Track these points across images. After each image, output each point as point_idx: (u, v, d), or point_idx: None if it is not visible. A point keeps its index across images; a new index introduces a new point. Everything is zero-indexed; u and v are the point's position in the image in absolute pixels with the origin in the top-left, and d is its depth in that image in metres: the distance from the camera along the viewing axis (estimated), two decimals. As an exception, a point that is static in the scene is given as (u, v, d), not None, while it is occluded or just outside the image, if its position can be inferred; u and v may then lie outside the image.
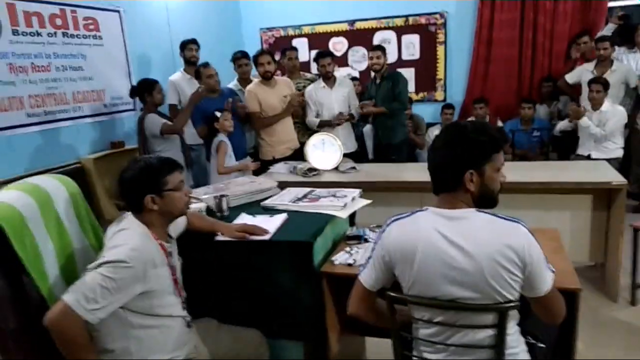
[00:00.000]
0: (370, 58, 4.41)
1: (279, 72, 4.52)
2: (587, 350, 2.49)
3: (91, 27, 4.11)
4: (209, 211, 2.32)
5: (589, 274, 3.27)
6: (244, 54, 4.39)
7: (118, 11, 4.38)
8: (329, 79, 4.30)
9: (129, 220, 1.68)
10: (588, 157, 4.11)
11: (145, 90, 3.83)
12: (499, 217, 1.42)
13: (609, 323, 2.82)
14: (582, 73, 4.57)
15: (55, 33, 3.77)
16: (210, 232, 2.04)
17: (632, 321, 2.82)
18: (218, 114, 3.55)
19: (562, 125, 4.47)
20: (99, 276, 1.48)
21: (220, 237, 2.02)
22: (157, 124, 3.75)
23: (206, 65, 3.88)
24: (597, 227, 3.15)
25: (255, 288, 2.00)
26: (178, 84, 4.43)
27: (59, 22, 3.80)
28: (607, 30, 4.87)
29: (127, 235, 1.61)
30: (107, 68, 4.27)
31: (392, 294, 1.53)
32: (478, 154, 1.42)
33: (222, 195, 2.32)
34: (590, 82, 4.18)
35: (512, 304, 1.40)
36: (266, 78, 4.03)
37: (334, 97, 4.28)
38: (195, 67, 4.35)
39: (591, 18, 5.14)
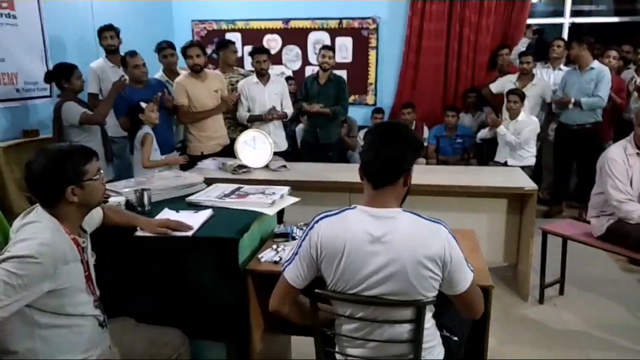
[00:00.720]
0: (323, 56, 4.45)
1: (211, 65, 4.41)
2: (499, 345, 2.64)
3: (4, 5, 3.79)
4: (129, 205, 2.21)
5: (503, 274, 3.46)
6: (169, 44, 4.25)
7: (36, -10, 4.07)
8: (263, 75, 4.26)
9: (38, 212, 1.55)
10: (504, 164, 4.37)
11: (63, 76, 3.58)
12: (422, 217, 1.47)
13: (519, 320, 3.00)
14: (505, 84, 4.85)
15: (-39, 9, 3.45)
16: (129, 227, 1.94)
17: (539, 318, 3.02)
18: (143, 104, 3.40)
19: (482, 133, 4.73)
20: (3, 272, 1.36)
21: (140, 233, 1.93)
22: (76, 113, 3.52)
23: (133, 54, 3.71)
24: (511, 229, 3.36)
25: (176, 286, 1.93)
26: (100, 71, 4.19)
27: (-34, -3, 3.48)
28: (522, 44, 5.19)
29: (37, 229, 1.49)
30: (22, 50, 3.95)
31: (317, 290, 1.53)
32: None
33: (144, 189, 2.22)
34: (508, 93, 4.46)
35: (429, 300, 1.46)
36: (195, 71, 3.91)
37: (266, 94, 4.24)
38: (116, 55, 4.15)
39: (511, 33, 5.48)
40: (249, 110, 4.25)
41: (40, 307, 1.48)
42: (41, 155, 1.55)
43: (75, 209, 1.58)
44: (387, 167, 1.48)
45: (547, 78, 4.94)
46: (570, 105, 4.45)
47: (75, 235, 1.59)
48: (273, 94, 4.27)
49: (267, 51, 4.34)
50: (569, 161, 4.71)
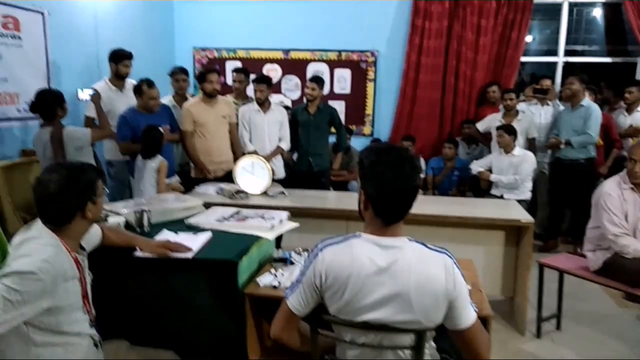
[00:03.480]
0: (307, 87, 4.49)
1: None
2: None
3: (10, 26, 3.83)
4: (128, 226, 2.20)
5: (500, 307, 3.43)
6: (183, 70, 4.38)
7: (42, 13, 4.13)
8: (262, 104, 4.30)
9: (39, 228, 1.54)
10: (501, 197, 4.39)
11: (57, 103, 3.37)
12: (428, 247, 1.45)
13: (517, 354, 2.96)
14: (491, 121, 4.94)
15: (-32, 28, 3.49)
16: (128, 248, 1.93)
17: (537, 353, 2.98)
18: (161, 128, 3.51)
19: (475, 166, 4.74)
20: (2, 287, 1.35)
21: (139, 253, 1.91)
22: (85, 134, 3.43)
23: (151, 85, 3.74)
24: (507, 262, 3.34)
25: (173, 308, 1.91)
26: (102, 94, 4.20)
27: (-27, 17, 3.52)
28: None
29: (38, 245, 1.48)
30: (25, 71, 3.97)
31: (325, 317, 1.49)
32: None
33: (144, 210, 2.22)
34: (497, 128, 4.55)
35: (430, 327, 1.44)
36: (212, 96, 3.99)
37: (266, 122, 4.28)
38: (122, 81, 4.18)
39: (504, 70, 5.61)
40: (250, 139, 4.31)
41: (37, 324, 1.46)
42: (57, 172, 1.54)
43: (85, 224, 1.59)
44: (403, 201, 1.41)
45: (537, 114, 5.03)
46: (562, 146, 4.56)
47: (75, 252, 1.58)
48: (272, 122, 4.31)
49: (266, 81, 4.37)
50: (564, 196, 4.75)
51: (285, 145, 4.37)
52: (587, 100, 4.56)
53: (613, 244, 2.86)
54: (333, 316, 1.49)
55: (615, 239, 2.84)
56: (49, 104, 3.34)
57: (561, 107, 5.04)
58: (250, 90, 4.62)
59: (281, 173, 4.41)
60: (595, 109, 4.50)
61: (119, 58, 4.17)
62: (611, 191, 2.93)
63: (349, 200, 3.57)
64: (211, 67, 4.22)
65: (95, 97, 3.64)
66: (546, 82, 5.08)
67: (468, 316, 1.44)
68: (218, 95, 4.11)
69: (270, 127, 4.29)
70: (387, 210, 1.43)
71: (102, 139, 3.60)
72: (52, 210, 1.53)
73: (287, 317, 1.54)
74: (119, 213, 2.25)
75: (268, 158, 4.13)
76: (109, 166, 4.18)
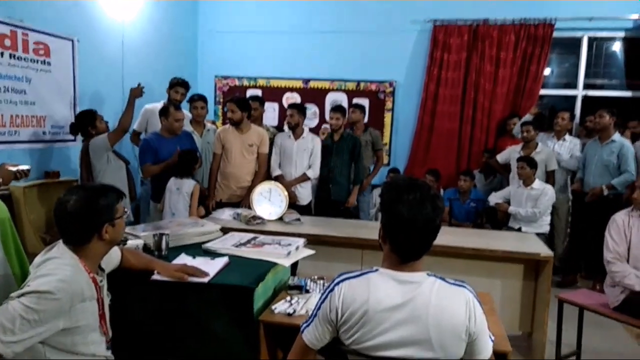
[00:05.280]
0: (331, 118, 4.51)
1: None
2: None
3: (41, 52, 3.99)
4: (147, 249, 2.23)
5: (518, 343, 3.35)
6: (202, 97, 4.44)
7: (72, 40, 4.29)
8: (293, 130, 4.34)
9: (59, 248, 1.58)
10: (518, 230, 4.33)
11: (89, 123, 3.68)
12: (447, 281, 1.43)
13: (534, 392, 2.88)
14: (511, 154, 4.92)
15: (2, 54, 3.63)
16: (146, 270, 1.95)
17: (555, 391, 2.90)
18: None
19: (493, 198, 4.71)
20: (20, 306, 1.37)
21: (156, 276, 1.93)
22: (103, 139, 3.58)
23: (178, 108, 3.86)
24: (526, 296, 3.28)
25: (188, 332, 1.91)
26: (150, 114, 4.32)
27: (7, 42, 3.67)
28: (525, 118, 5.30)
29: (57, 265, 1.51)
30: (52, 95, 4.12)
31: (342, 347, 1.47)
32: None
33: (162, 234, 2.25)
34: (517, 160, 4.53)
35: (450, 360, 1.42)
36: (233, 124, 4.06)
37: (295, 148, 4.31)
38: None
39: (523, 102, 5.61)
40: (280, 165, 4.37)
41: (53, 344, 1.47)
42: (76, 194, 1.57)
43: (103, 246, 1.61)
44: (422, 241, 1.39)
45: (552, 148, 4.98)
46: (605, 192, 4.45)
47: (94, 273, 1.60)
48: (302, 149, 4.32)
49: (296, 106, 4.40)
50: (588, 231, 4.61)
51: (312, 173, 4.36)
52: (617, 135, 4.50)
53: (606, 268, 2.89)
54: (351, 349, 1.47)
55: (606, 265, 2.87)
56: (81, 124, 3.74)
57: (577, 143, 4.99)
58: (266, 117, 4.69)
59: (305, 200, 4.42)
60: (629, 146, 4.47)
61: (172, 84, 4.40)
62: (618, 218, 2.97)
63: (365, 230, 3.57)
64: (233, 96, 4.25)
65: (134, 91, 3.76)
66: (564, 116, 5.05)
67: (487, 350, 1.44)
68: (253, 125, 4.20)
69: (299, 153, 4.32)
70: (404, 249, 1.42)
71: (119, 137, 3.67)
72: (69, 230, 1.57)
73: (303, 350, 1.53)
74: (137, 236, 2.28)
75: (291, 184, 4.16)
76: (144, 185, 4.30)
